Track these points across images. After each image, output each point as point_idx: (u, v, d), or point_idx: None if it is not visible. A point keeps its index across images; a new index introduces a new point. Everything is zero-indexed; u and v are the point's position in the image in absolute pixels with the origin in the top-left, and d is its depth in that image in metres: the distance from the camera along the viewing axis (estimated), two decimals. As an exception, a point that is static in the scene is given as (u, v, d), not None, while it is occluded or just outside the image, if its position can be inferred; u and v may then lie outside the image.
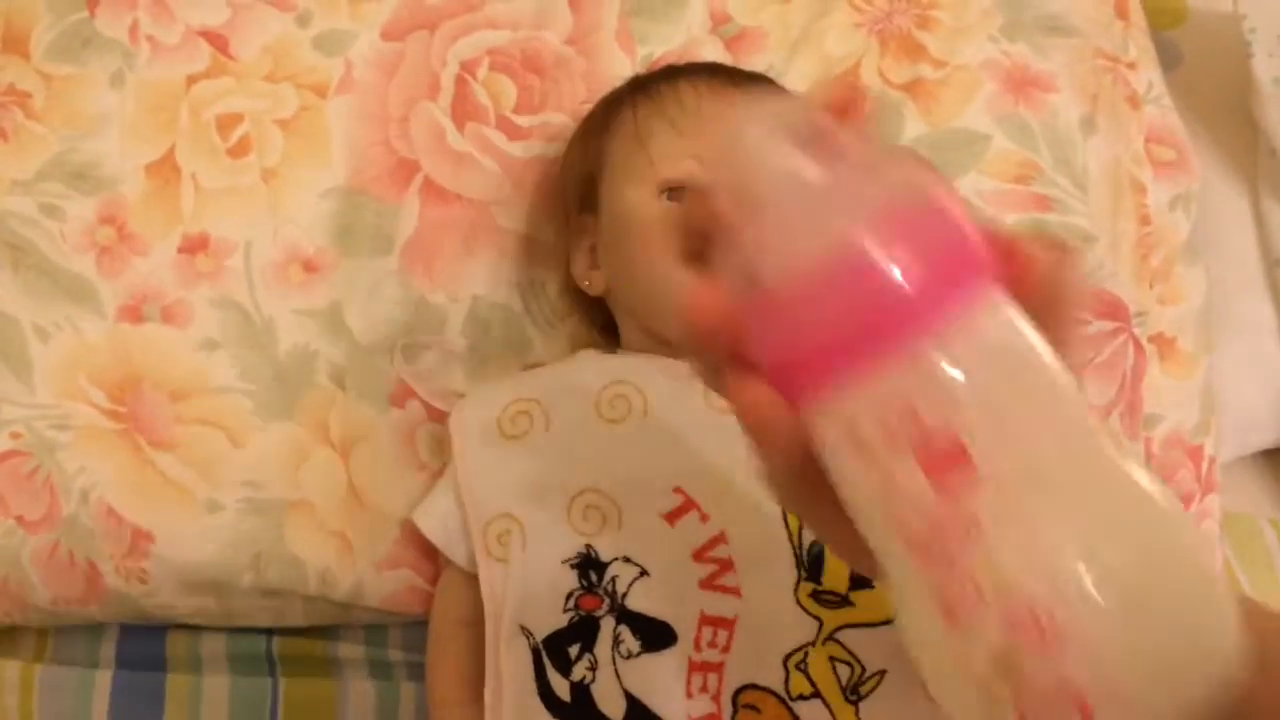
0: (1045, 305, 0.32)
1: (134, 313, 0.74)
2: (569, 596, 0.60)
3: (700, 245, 0.35)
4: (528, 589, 0.61)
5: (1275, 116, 0.86)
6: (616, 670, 0.57)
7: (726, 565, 0.58)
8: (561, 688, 0.58)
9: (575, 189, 0.74)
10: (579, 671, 0.58)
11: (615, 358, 0.70)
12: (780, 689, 0.56)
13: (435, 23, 0.81)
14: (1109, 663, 0.29)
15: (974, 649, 0.30)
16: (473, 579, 0.64)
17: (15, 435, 0.72)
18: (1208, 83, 0.92)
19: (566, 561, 0.60)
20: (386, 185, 0.77)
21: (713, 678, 0.56)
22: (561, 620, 0.59)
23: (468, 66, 0.80)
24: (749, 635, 0.57)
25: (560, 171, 0.77)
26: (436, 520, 0.68)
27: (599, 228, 0.72)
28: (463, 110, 0.79)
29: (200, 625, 0.76)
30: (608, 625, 0.58)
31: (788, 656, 0.56)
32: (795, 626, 0.57)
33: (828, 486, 0.33)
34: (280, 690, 0.74)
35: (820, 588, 0.58)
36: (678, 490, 0.61)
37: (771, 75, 0.79)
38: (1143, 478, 0.31)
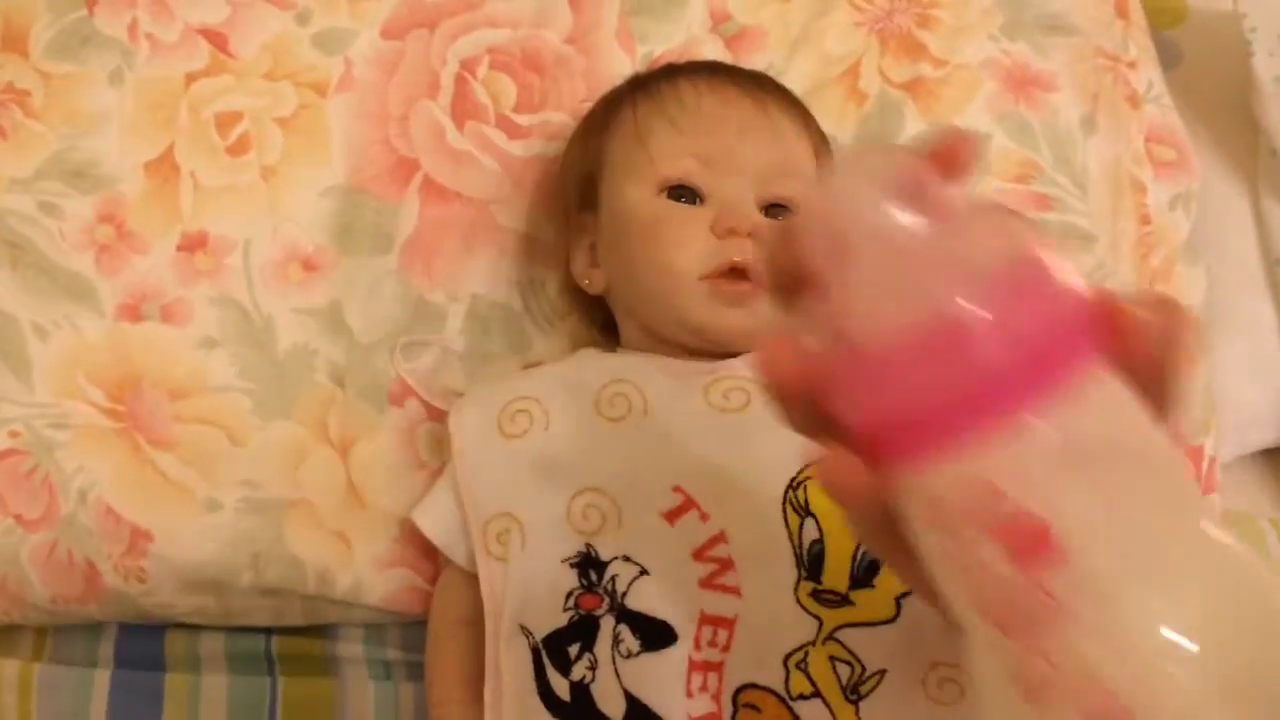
0: (1152, 372, 0.30)
1: (133, 311, 0.74)
2: (569, 596, 0.60)
3: (786, 282, 0.33)
4: (527, 588, 0.61)
5: (1276, 116, 0.86)
6: (616, 670, 0.57)
7: (726, 564, 0.58)
8: (561, 687, 0.58)
9: (575, 187, 0.74)
10: (579, 671, 0.58)
11: (615, 356, 0.70)
12: (780, 688, 0.55)
13: (435, 21, 0.81)
14: None
15: None
16: (472, 578, 0.64)
17: (14, 434, 0.72)
18: (1208, 82, 0.92)
19: (566, 560, 0.60)
20: (386, 184, 0.77)
21: (713, 677, 0.56)
22: (561, 619, 0.59)
23: (468, 65, 0.80)
24: (749, 634, 0.57)
25: (560, 170, 0.77)
26: (436, 519, 0.67)
27: (599, 226, 0.72)
28: (462, 109, 0.79)
29: (199, 624, 0.76)
30: (607, 624, 0.58)
31: (788, 656, 0.56)
32: (795, 626, 0.57)
33: (907, 539, 0.32)
34: (279, 689, 0.74)
35: (820, 587, 0.58)
36: (677, 489, 0.60)
37: (771, 74, 0.79)
38: (1246, 555, 0.29)
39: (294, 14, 0.80)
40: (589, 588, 0.59)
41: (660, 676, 0.56)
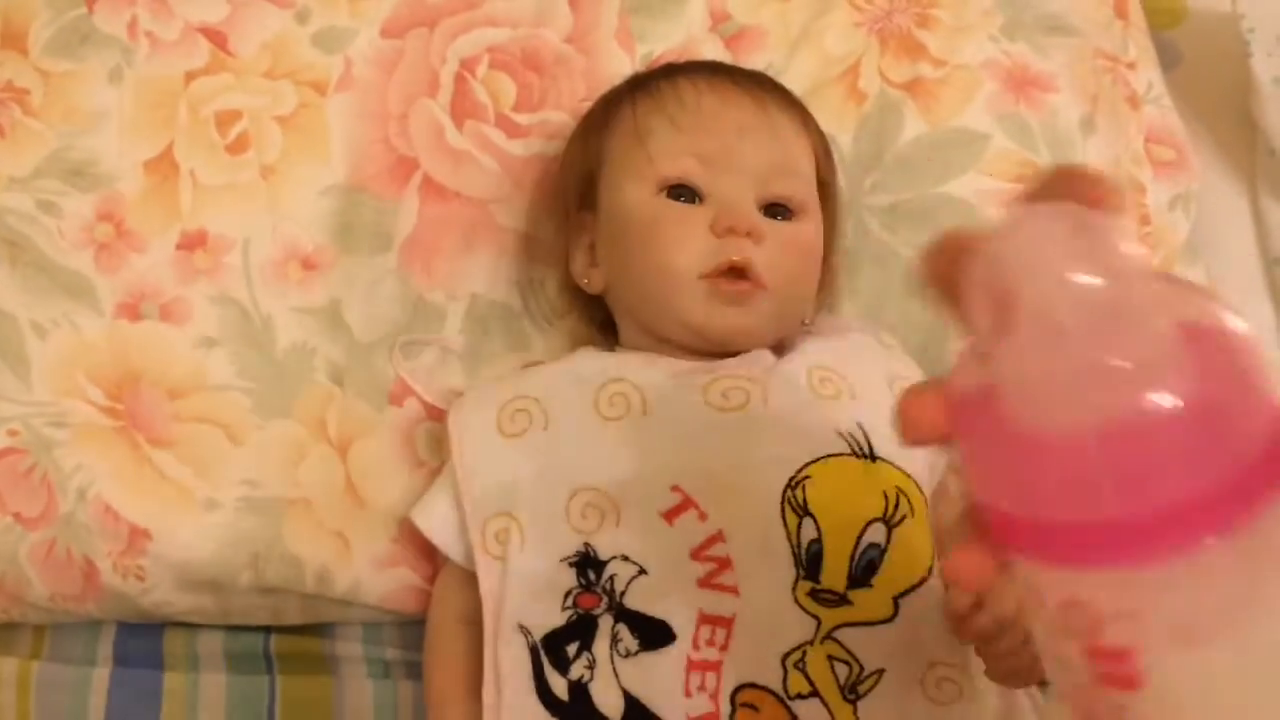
0: None
1: (132, 310, 0.74)
2: (567, 595, 0.60)
3: (945, 288, 0.31)
4: (526, 587, 0.61)
5: (1274, 116, 0.86)
6: (615, 669, 0.57)
7: (725, 564, 0.58)
8: (559, 686, 0.58)
9: (575, 187, 0.73)
10: (577, 670, 0.58)
11: (614, 356, 0.70)
12: (778, 688, 0.55)
13: (435, 20, 0.81)
14: None
15: None
16: (471, 577, 0.64)
17: (13, 433, 0.72)
18: (1207, 83, 0.92)
19: (565, 560, 0.60)
20: (385, 183, 0.77)
21: (711, 676, 0.56)
22: (560, 619, 0.59)
23: (467, 64, 0.80)
24: (747, 634, 0.57)
25: (559, 169, 0.77)
26: (435, 518, 0.67)
27: (598, 225, 0.72)
28: (462, 108, 0.79)
29: (197, 623, 0.76)
30: (606, 624, 0.58)
31: (786, 655, 0.56)
32: (793, 625, 0.57)
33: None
34: (277, 688, 0.74)
35: (819, 586, 0.58)
36: (676, 489, 0.60)
37: (771, 74, 0.79)
38: None
39: (294, 13, 0.80)
40: (587, 587, 0.59)
41: (658, 676, 0.56)
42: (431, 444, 0.74)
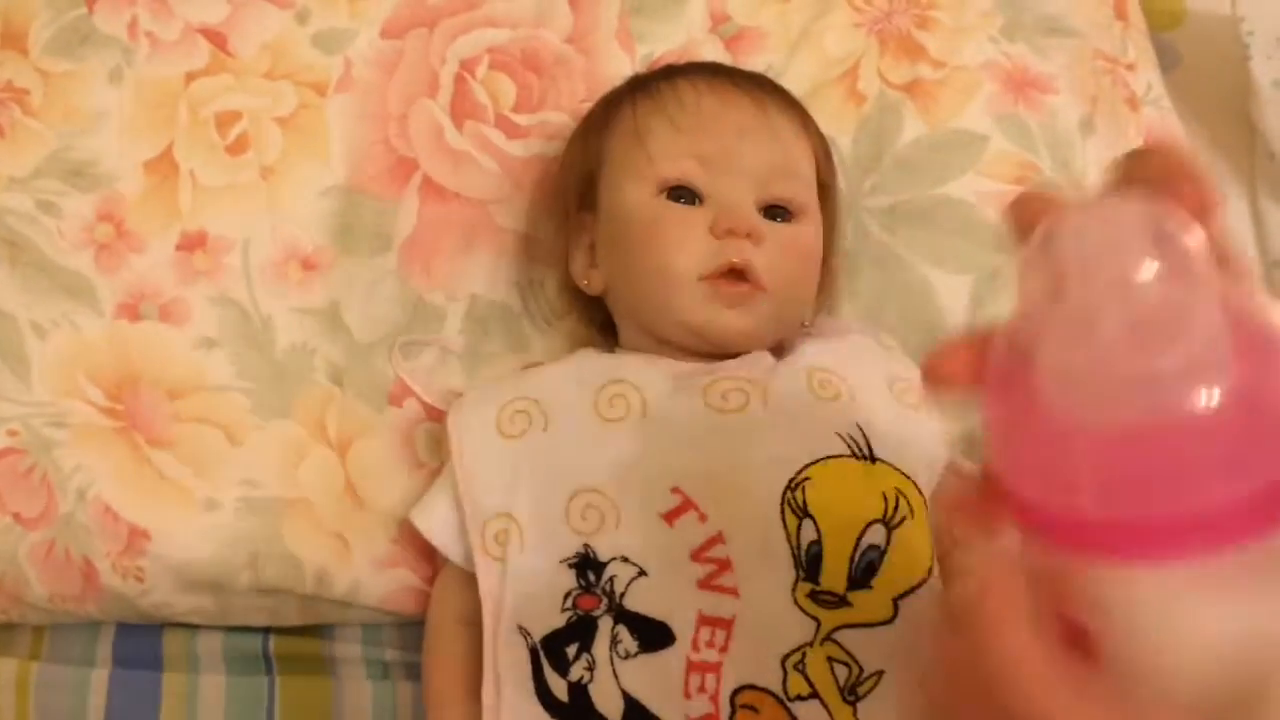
0: None
1: (132, 310, 0.74)
2: (567, 596, 0.60)
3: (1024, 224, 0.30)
4: (525, 588, 0.61)
5: (1273, 119, 0.86)
6: (614, 670, 0.57)
7: (724, 565, 0.58)
8: (559, 688, 0.58)
9: (574, 187, 0.73)
10: (577, 671, 0.58)
11: (613, 357, 0.70)
12: (778, 689, 0.55)
13: (434, 21, 0.81)
14: None
15: None
16: (470, 578, 0.64)
17: (12, 433, 0.72)
18: (1206, 84, 0.92)
19: (564, 561, 0.60)
20: (385, 183, 0.77)
21: (710, 678, 0.56)
22: (559, 620, 0.59)
23: (467, 65, 0.80)
24: (747, 635, 0.57)
25: (559, 170, 0.77)
26: (434, 519, 0.67)
27: (598, 226, 0.72)
28: (462, 109, 0.79)
29: (196, 624, 0.76)
30: (605, 625, 0.58)
31: (785, 657, 0.56)
32: (793, 627, 0.57)
33: None
34: (276, 689, 0.74)
35: (818, 588, 0.58)
36: (676, 490, 0.60)
37: (771, 75, 0.79)
38: None
39: (293, 13, 0.80)
40: (587, 588, 0.59)
41: (658, 677, 0.56)
42: (431, 445, 0.74)
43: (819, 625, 0.57)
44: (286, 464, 0.73)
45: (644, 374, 0.66)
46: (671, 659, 0.56)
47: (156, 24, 0.79)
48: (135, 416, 0.73)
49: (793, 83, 0.80)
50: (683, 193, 0.67)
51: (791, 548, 0.58)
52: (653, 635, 0.57)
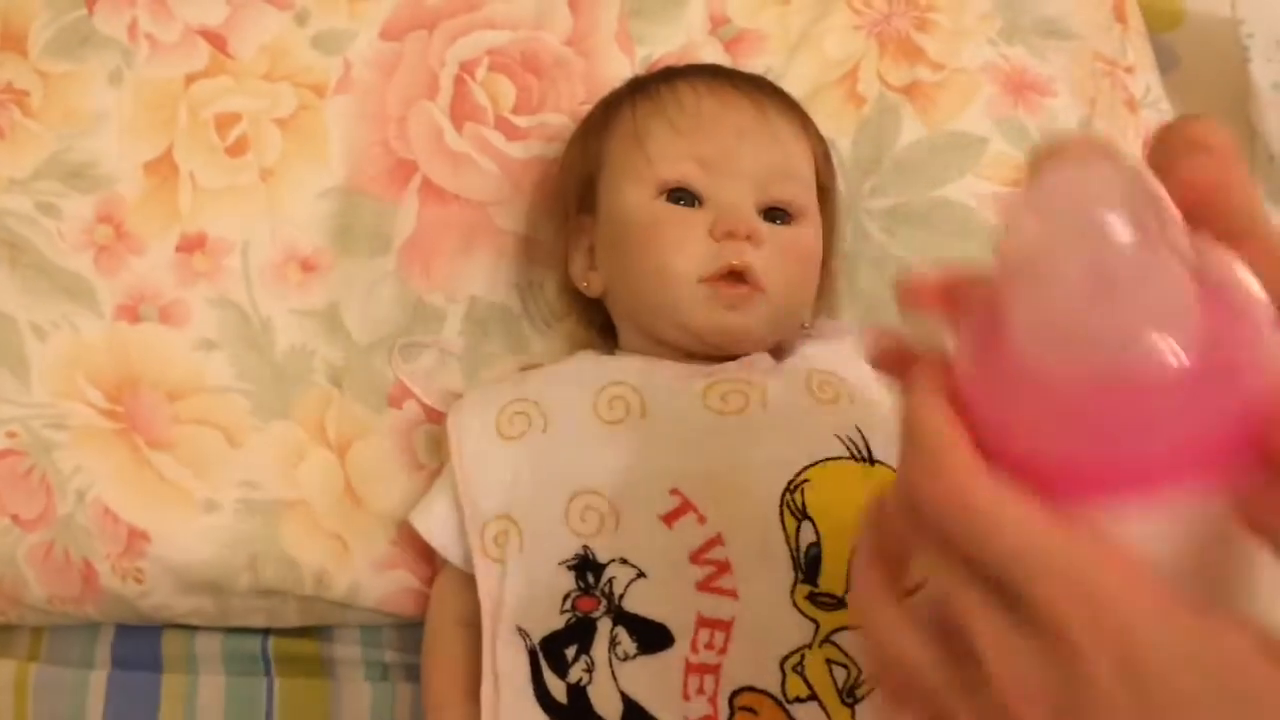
0: None
1: (131, 312, 0.74)
2: (566, 598, 0.60)
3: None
4: (524, 590, 0.61)
5: (1272, 121, 0.86)
6: (613, 672, 0.57)
7: (724, 567, 0.58)
8: (558, 689, 0.58)
9: (574, 189, 0.74)
10: (576, 673, 0.58)
11: (613, 359, 0.70)
12: (777, 691, 0.56)
13: (434, 22, 0.81)
14: None
15: None
16: (469, 580, 0.64)
17: (11, 434, 0.72)
18: (1205, 87, 0.92)
19: (564, 563, 0.60)
20: (385, 185, 0.77)
21: (709, 680, 0.56)
22: (558, 622, 0.59)
23: (466, 67, 0.80)
24: (746, 637, 0.57)
25: (559, 172, 0.77)
26: (434, 521, 0.67)
27: (597, 228, 0.72)
28: (461, 110, 0.79)
29: (195, 625, 0.76)
30: (604, 627, 0.58)
31: (784, 659, 0.56)
32: (792, 629, 0.57)
33: None
34: (275, 690, 0.74)
35: (817, 590, 0.58)
36: (675, 492, 0.61)
37: (770, 77, 0.79)
38: None
39: (293, 15, 0.80)
40: (586, 590, 0.59)
41: (657, 679, 0.56)
42: (430, 446, 0.74)
43: (818, 627, 0.57)
44: (286, 465, 0.73)
45: (643, 376, 0.66)
46: (670, 661, 0.56)
47: (156, 25, 0.79)
48: (135, 418, 0.73)
49: (792, 85, 0.80)
50: (682, 195, 0.67)
51: (790, 550, 0.58)
52: (652, 637, 0.57)
